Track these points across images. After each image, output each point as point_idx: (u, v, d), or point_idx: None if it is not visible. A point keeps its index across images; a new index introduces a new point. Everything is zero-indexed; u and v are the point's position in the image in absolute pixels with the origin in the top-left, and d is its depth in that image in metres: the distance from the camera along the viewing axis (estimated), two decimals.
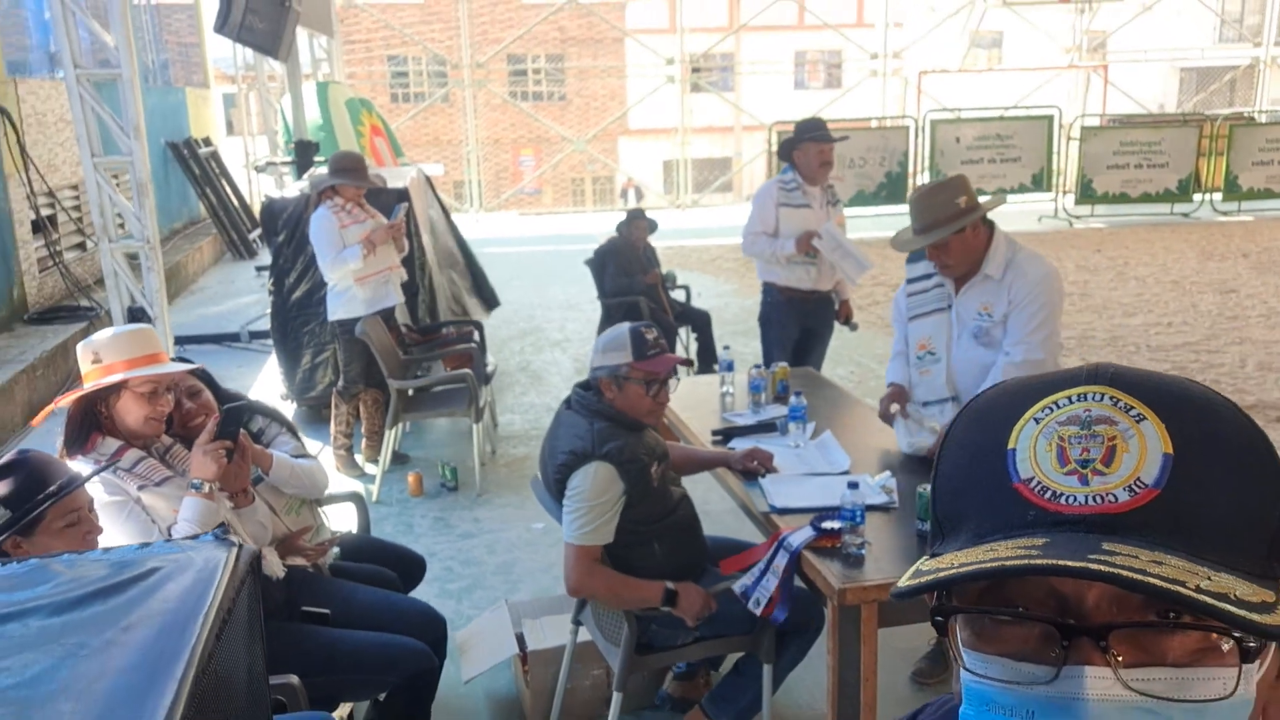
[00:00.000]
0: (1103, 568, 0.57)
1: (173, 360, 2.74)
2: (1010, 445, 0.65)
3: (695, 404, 4.16)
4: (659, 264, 7.21)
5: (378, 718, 2.83)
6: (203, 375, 2.94)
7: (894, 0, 18.88)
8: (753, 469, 3.26)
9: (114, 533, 2.44)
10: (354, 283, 5.21)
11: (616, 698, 2.93)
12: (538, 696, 3.35)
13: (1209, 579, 0.58)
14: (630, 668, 2.87)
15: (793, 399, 3.65)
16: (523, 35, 20.97)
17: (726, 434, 3.69)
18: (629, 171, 23.52)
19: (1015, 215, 13.81)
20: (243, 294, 10.60)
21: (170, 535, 2.49)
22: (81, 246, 9.04)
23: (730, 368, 4.26)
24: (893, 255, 5.38)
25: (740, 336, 8.17)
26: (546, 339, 8.57)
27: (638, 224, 6.93)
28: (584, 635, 3.24)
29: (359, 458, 5.67)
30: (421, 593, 4.22)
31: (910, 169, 14.09)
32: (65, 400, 2.56)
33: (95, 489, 2.42)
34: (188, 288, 11.23)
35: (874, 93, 18.73)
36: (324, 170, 5.83)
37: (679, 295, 7.58)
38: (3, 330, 7.55)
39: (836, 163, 5.25)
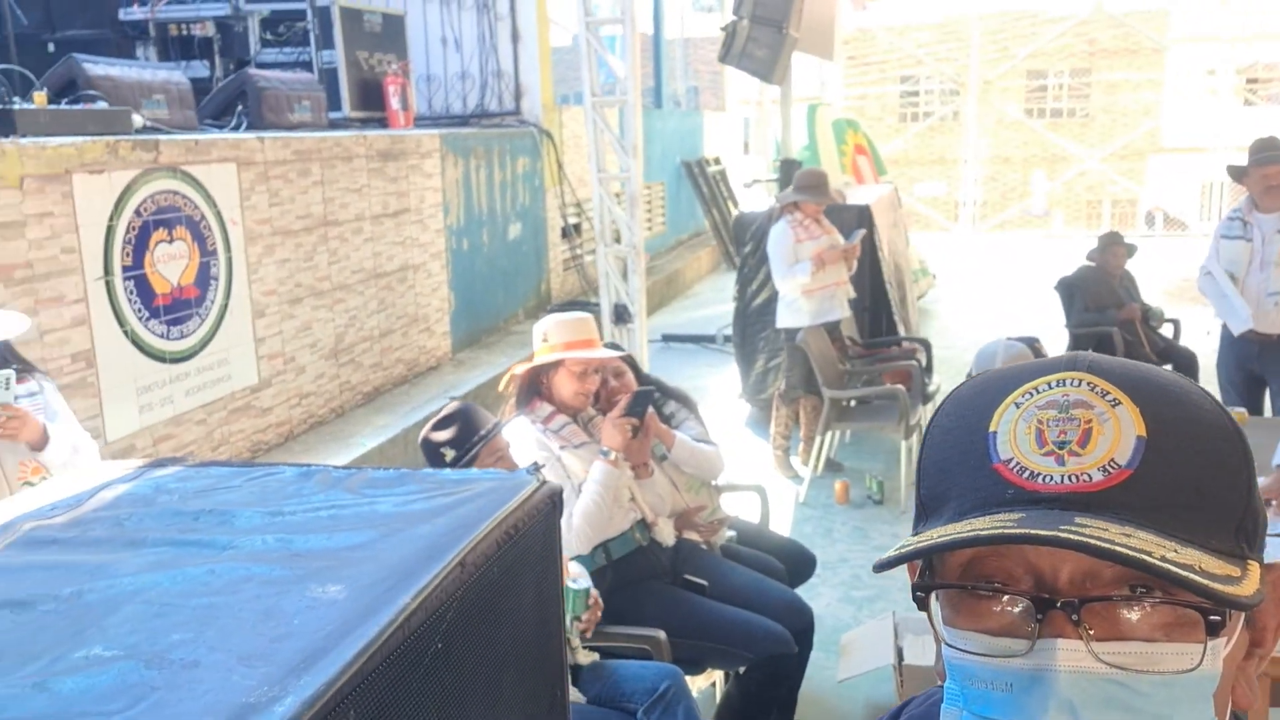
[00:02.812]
0: (1072, 536, 0.60)
1: (603, 346, 3.22)
2: (991, 429, 0.69)
3: None
4: (1138, 295, 6.61)
5: (737, 691, 3.06)
6: (628, 360, 3.39)
7: None
8: None
9: None
10: (801, 295, 5.51)
11: None
12: None
13: (1176, 551, 0.61)
14: None
15: None
16: (1043, 49, 19.98)
17: None
18: (1156, 193, 21.35)
19: None
20: (728, 301, 11.47)
21: (579, 491, 2.94)
22: (593, 251, 10.45)
23: None
24: None
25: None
26: None
27: (1114, 250, 6.43)
28: None
29: (795, 460, 5.96)
30: (823, 595, 4.42)
31: None
32: (518, 369, 3.13)
33: (527, 442, 2.94)
34: (683, 292, 12.39)
35: None
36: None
37: (1166, 331, 6.88)
38: (531, 316, 9.01)
39: None
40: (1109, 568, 0.62)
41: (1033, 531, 0.61)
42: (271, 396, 5.32)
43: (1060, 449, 0.65)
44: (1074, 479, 0.64)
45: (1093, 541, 0.59)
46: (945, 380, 7.35)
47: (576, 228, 9.90)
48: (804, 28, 9.13)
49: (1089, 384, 0.67)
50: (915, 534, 0.73)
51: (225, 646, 1.03)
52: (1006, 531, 0.62)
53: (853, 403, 5.77)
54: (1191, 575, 0.59)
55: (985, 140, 22.45)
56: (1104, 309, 6.54)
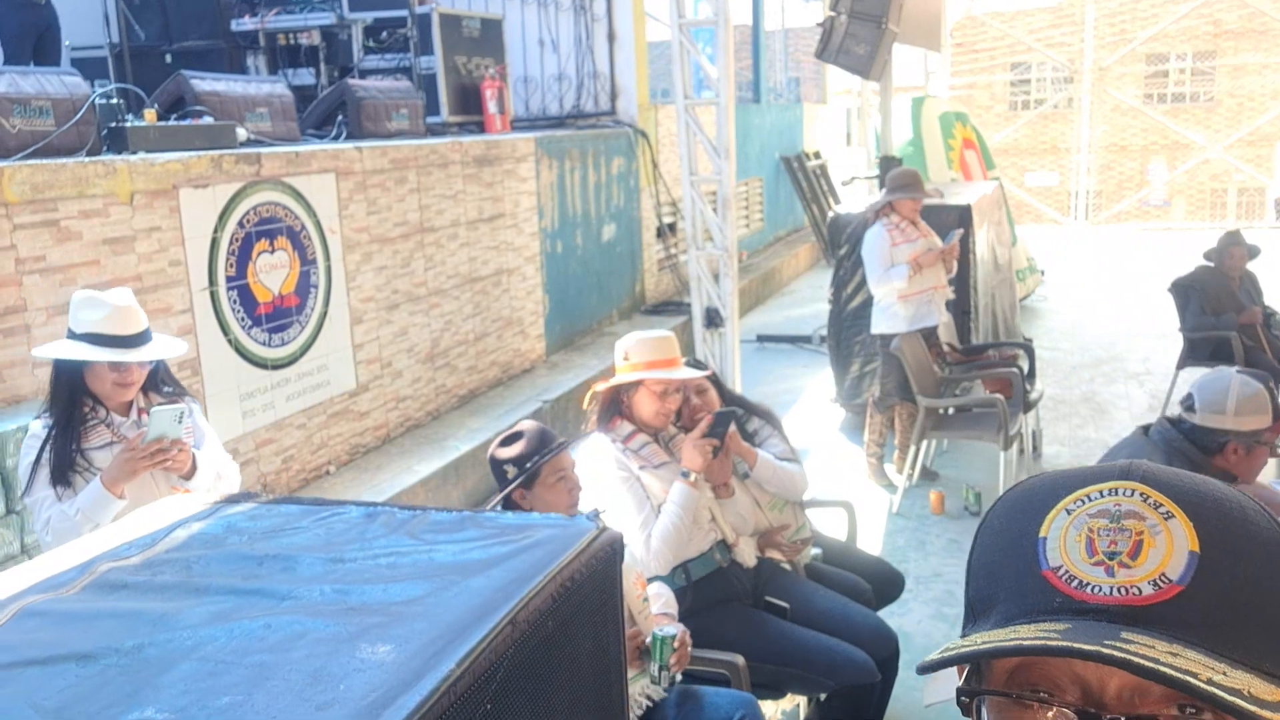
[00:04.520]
0: (1116, 653, 0.59)
1: (685, 364, 3.19)
2: (1042, 534, 0.68)
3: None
4: (1260, 298, 6.26)
5: (819, 718, 3.00)
6: (712, 378, 3.35)
7: None
8: None
9: (618, 502, 2.93)
10: (897, 300, 5.37)
11: None
12: None
13: (1225, 674, 0.59)
14: None
15: None
16: (1163, 31, 19.11)
17: None
18: None
19: None
20: (825, 300, 11.30)
21: (659, 512, 2.92)
22: (687, 251, 10.40)
23: None
24: None
25: None
26: (1123, 369, 7.89)
27: (1234, 251, 6.11)
28: None
29: (890, 468, 5.83)
30: (915, 611, 4.32)
31: None
32: (600, 387, 3.12)
33: (607, 462, 2.94)
34: (781, 289, 12.26)
35: None
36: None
37: None
38: (625, 317, 9.03)
39: None
40: (1158, 685, 0.61)
41: (1077, 645, 0.60)
42: (369, 401, 5.45)
43: (1110, 559, 0.65)
44: (1123, 591, 0.63)
45: (1138, 660, 0.58)
46: (1050, 387, 7.10)
47: (671, 227, 9.88)
48: (908, 19, 8.91)
49: (1142, 494, 0.66)
50: (963, 636, 0.72)
51: (271, 711, 1.05)
52: (1050, 643, 0.62)
53: (950, 411, 5.61)
54: (1240, 701, 0.57)
55: (1100, 128, 21.60)
56: (1222, 312, 6.22)
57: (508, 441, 2.53)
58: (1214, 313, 6.26)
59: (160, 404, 2.69)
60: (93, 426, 2.62)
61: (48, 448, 2.55)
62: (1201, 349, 6.36)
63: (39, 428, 2.60)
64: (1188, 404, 2.67)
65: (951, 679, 2.69)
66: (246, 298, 4.63)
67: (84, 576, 1.40)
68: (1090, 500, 0.68)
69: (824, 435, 6.65)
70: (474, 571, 1.35)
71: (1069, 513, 0.68)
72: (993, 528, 0.73)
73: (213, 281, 4.42)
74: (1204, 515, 0.65)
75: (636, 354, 3.04)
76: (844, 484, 5.77)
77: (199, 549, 1.48)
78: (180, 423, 2.60)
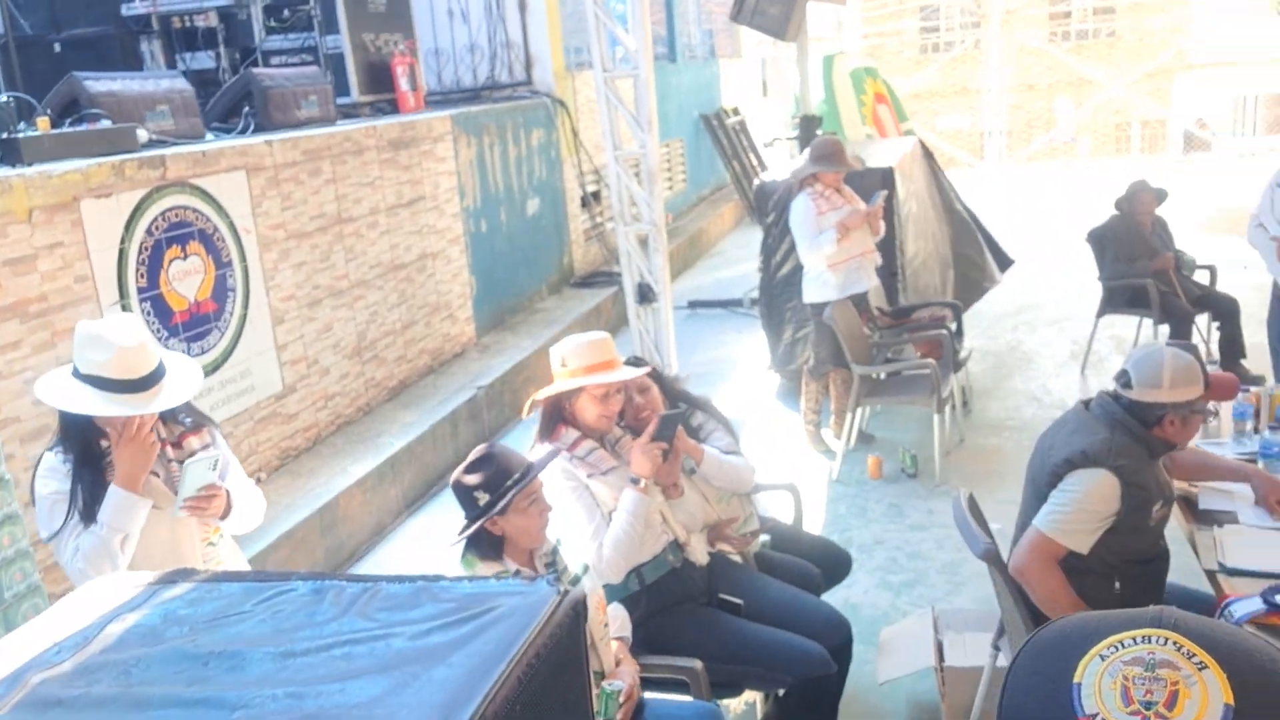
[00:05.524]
0: None
1: (625, 363, 3.14)
2: (1076, 679, 0.70)
3: None
4: (1172, 244, 6.42)
5: (777, 713, 3.03)
6: (653, 375, 3.31)
7: None
8: (1270, 506, 2.89)
9: (568, 514, 2.89)
10: (826, 268, 5.38)
11: None
12: (954, 713, 3.32)
13: None
14: None
15: (1266, 433, 3.14)
16: None
17: None
18: (1186, 113, 20.76)
19: None
20: (754, 259, 11.31)
21: (609, 520, 2.88)
22: (613, 219, 10.30)
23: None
24: None
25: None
26: (1044, 316, 8.06)
27: (1143, 198, 6.23)
28: (1004, 660, 3.15)
29: (827, 433, 5.89)
30: (860, 581, 4.37)
31: None
32: (539, 396, 3.05)
33: (554, 474, 2.88)
34: (708, 251, 12.24)
35: None
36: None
37: (1203, 277, 6.69)
38: (555, 292, 8.93)
39: None
40: None
41: None
42: (297, 402, 5.31)
43: (1147, 710, 0.67)
44: None
45: None
46: (976, 338, 7.21)
47: (596, 195, 9.77)
48: None
49: (1175, 643, 0.68)
50: None
51: None
52: None
53: (883, 375, 5.67)
54: None
55: (1009, 69, 21.90)
56: (1136, 260, 6.36)
57: (473, 468, 2.46)
58: (1128, 260, 6.40)
59: (182, 435, 2.54)
60: (113, 461, 2.44)
61: (78, 489, 2.38)
62: (1119, 296, 6.52)
63: (56, 461, 2.42)
64: (1124, 380, 2.72)
65: (904, 656, 2.75)
66: (161, 308, 4.45)
67: (14, 692, 1.31)
68: (1124, 647, 0.69)
69: (760, 402, 6.68)
70: (436, 659, 1.29)
71: (1103, 658, 0.70)
72: (1024, 667, 0.75)
73: (124, 295, 4.23)
74: (1238, 668, 0.66)
75: (574, 359, 2.98)
76: (782, 451, 5.81)
77: (136, 647, 1.40)
78: (214, 469, 2.47)
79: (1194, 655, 0.67)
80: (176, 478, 2.48)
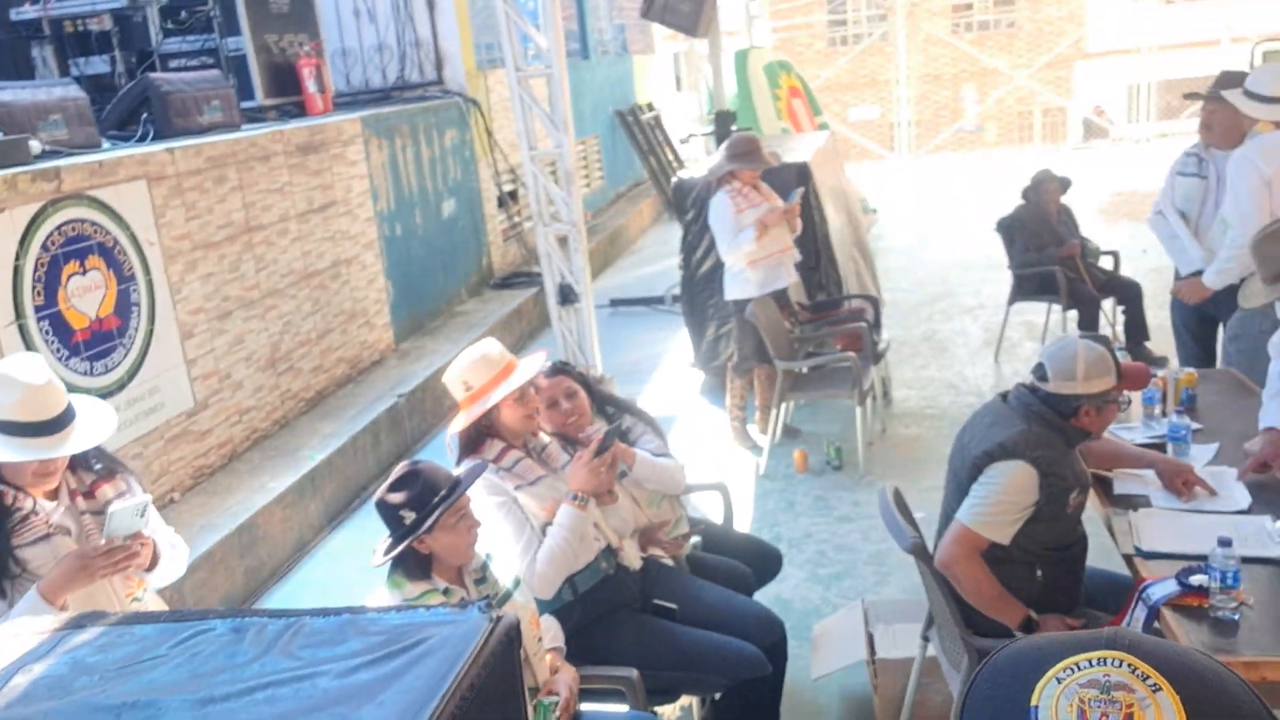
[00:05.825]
0: None
1: (554, 365, 3.12)
2: (1033, 703, 0.70)
3: None
4: (1077, 231, 6.60)
5: (715, 718, 3.02)
6: (577, 377, 3.27)
7: None
8: (1176, 490, 2.97)
9: (496, 529, 2.83)
10: (747, 265, 5.40)
11: None
12: (886, 704, 3.36)
13: None
14: None
15: (1173, 417, 3.24)
16: None
17: None
18: (1085, 100, 21.43)
19: None
20: (674, 255, 11.33)
21: (542, 533, 2.84)
22: (531, 218, 10.22)
23: None
24: None
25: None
26: (958, 305, 8.23)
27: (1048, 188, 6.40)
28: (933, 650, 3.19)
29: (753, 429, 5.92)
30: (791, 575, 4.40)
31: None
32: (456, 429, 2.95)
33: (479, 489, 2.82)
34: (628, 248, 12.23)
35: None
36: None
37: (1106, 263, 6.90)
38: (474, 294, 8.82)
39: None
40: None
41: None
42: (210, 418, 5.14)
43: None
44: None
45: None
46: (893, 328, 7.33)
47: (513, 195, 9.68)
48: None
49: (1129, 665, 0.69)
50: None
51: None
52: None
53: (805, 370, 5.72)
54: None
55: (916, 60, 22.34)
56: (1043, 248, 6.54)
57: (398, 485, 2.39)
58: (1036, 249, 6.57)
59: (94, 484, 2.35)
60: (21, 519, 2.23)
61: None
62: (1029, 284, 6.68)
63: None
64: (1040, 373, 2.77)
65: (836, 651, 2.77)
66: (60, 326, 4.26)
67: None
68: (1079, 669, 0.70)
69: (685, 400, 6.69)
70: (365, 698, 1.25)
71: (1059, 681, 0.70)
72: (982, 691, 0.75)
73: (19, 314, 4.04)
74: (1190, 690, 0.67)
75: (476, 378, 2.89)
76: (709, 448, 5.83)
77: (44, 700, 1.32)
78: (141, 516, 2.28)
79: (1148, 677, 0.68)
80: (89, 532, 2.30)
